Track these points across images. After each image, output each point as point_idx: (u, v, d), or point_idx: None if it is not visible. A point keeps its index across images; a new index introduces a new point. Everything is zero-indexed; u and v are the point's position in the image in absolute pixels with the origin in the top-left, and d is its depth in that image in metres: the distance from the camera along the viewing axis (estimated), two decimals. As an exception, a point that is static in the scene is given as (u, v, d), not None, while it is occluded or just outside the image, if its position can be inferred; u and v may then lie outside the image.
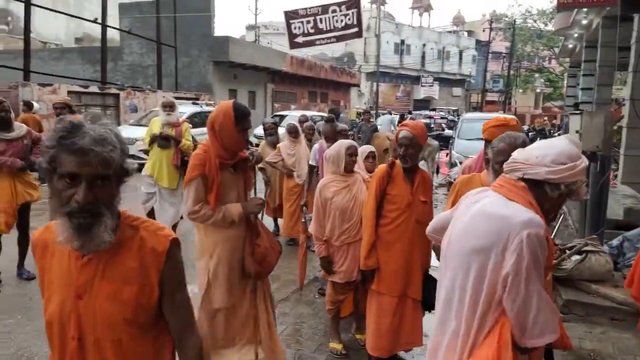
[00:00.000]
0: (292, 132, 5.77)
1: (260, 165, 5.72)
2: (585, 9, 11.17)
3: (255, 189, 2.93)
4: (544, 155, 1.57)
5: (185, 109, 13.48)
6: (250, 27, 37.03)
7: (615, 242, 5.00)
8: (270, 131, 6.24)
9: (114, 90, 14.53)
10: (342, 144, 3.36)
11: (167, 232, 1.38)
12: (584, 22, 12.34)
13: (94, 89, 13.81)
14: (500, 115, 18.34)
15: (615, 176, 8.12)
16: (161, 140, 5.39)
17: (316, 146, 5.03)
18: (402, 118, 19.30)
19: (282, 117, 17.22)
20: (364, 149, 3.86)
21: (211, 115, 2.60)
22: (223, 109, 2.55)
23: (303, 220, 4.07)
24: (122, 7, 20.42)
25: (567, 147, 1.58)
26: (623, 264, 4.61)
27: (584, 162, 1.57)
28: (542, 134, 17.22)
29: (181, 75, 18.42)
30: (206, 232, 2.66)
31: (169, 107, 5.45)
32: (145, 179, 5.68)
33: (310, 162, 5.14)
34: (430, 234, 2.06)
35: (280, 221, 6.21)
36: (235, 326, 2.70)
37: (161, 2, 17.75)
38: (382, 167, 3.02)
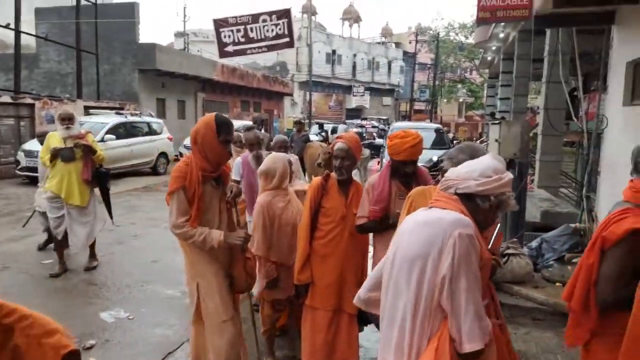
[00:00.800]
0: (236, 142, 4.92)
1: None
2: (502, 24, 11.92)
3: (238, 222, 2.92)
4: (472, 170, 1.69)
5: (108, 119, 12.81)
6: (178, 35, 36.01)
7: (534, 243, 5.30)
8: None
9: (28, 100, 13.49)
10: (282, 157, 3.29)
11: (59, 342, 0.91)
12: (501, 35, 13.16)
13: (6, 98, 12.75)
14: (425, 123, 19.02)
15: (532, 180, 8.67)
16: (67, 152, 4.92)
17: (239, 159, 4.46)
18: (321, 128, 19.53)
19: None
20: None
21: (194, 127, 2.60)
22: (205, 120, 2.58)
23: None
24: (39, 12, 19.07)
25: (493, 162, 1.71)
26: (542, 265, 4.88)
27: (509, 175, 1.68)
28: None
29: (104, 83, 17.49)
30: (191, 258, 2.68)
31: (68, 119, 4.98)
32: (49, 201, 5.08)
33: (234, 177, 4.46)
34: (367, 296, 1.93)
35: None
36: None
37: (82, 7, 16.81)
38: (316, 180, 3.00)
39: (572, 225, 5.38)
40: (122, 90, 18.21)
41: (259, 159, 4.10)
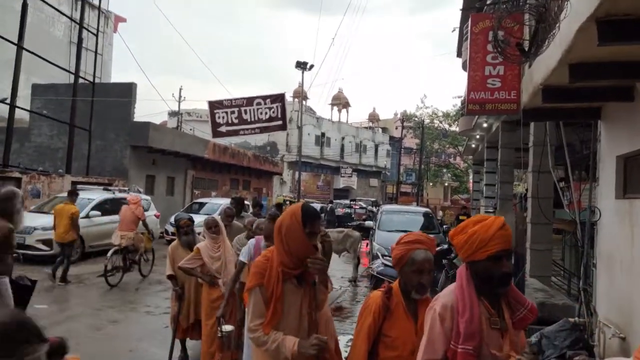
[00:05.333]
0: (211, 226, 4.68)
1: (169, 272, 4.84)
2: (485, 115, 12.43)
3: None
4: None
5: (94, 195, 12.66)
6: (173, 114, 36.98)
7: (533, 338, 5.06)
8: (186, 229, 5.08)
9: (16, 174, 13.37)
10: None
11: None
12: (485, 125, 13.68)
13: (-8, 171, 12.64)
14: (414, 207, 19.14)
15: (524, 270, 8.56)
16: None
17: (252, 241, 4.11)
18: (258, 206, 18.99)
19: (202, 205, 16.75)
20: None
21: (279, 218, 2.37)
22: (291, 210, 2.34)
23: (219, 335, 3.57)
24: (35, 88, 19.55)
25: None
26: (544, 363, 4.63)
27: None
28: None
29: (95, 159, 17.54)
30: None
31: None
32: None
33: (241, 258, 4.09)
34: None
35: (192, 344, 5.24)
36: None
37: (80, 85, 17.28)
38: (376, 297, 2.32)
39: (571, 319, 5.21)
40: (112, 166, 18.24)
41: None
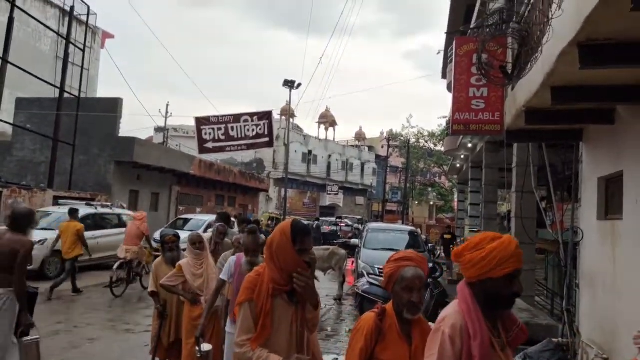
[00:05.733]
0: (195, 242, 4.58)
1: (152, 288, 4.73)
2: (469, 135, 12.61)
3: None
4: None
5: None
6: (159, 129, 36.80)
7: (518, 358, 5.08)
8: (171, 245, 4.94)
9: (-5, 187, 13.13)
10: None
11: None
12: (469, 145, 13.87)
13: (-29, 184, 12.38)
14: (400, 225, 19.20)
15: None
16: None
17: (233, 258, 4.01)
18: (245, 222, 19.37)
19: (186, 221, 16.57)
20: None
21: (270, 235, 2.36)
22: (281, 227, 2.33)
23: (198, 355, 3.49)
24: (20, 102, 19.32)
25: None
26: (528, 384, 4.62)
27: None
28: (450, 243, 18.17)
29: (78, 174, 17.30)
30: None
31: None
32: None
33: (222, 276, 3.99)
34: None
35: None
36: None
37: (65, 100, 17.13)
38: (367, 319, 2.24)
39: (555, 340, 5.23)
40: (95, 181, 18.01)
41: (252, 266, 3.84)
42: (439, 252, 18.76)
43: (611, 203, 4.55)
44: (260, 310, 2.23)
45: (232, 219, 9.81)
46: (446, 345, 1.78)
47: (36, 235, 10.80)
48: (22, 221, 4.19)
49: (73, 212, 9.86)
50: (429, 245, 14.27)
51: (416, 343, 2.14)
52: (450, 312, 1.87)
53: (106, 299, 9.09)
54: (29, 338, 4.11)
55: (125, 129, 45.30)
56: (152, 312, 5.05)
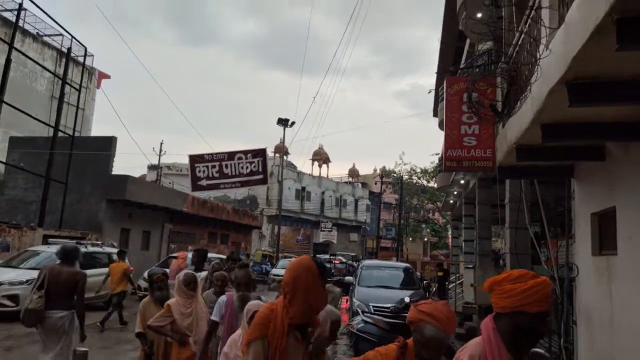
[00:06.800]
0: (190, 283, 4.43)
1: (138, 329, 4.61)
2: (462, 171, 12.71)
3: None
4: None
5: (68, 250, 12.26)
6: (152, 167, 36.82)
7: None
8: (160, 284, 4.84)
9: (-16, 227, 12.94)
10: (329, 313, 2.55)
11: None
12: (462, 182, 13.95)
13: (-41, 224, 12.20)
14: (394, 262, 19.02)
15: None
16: None
17: (223, 298, 3.91)
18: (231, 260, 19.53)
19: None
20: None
21: (289, 276, 2.32)
22: (303, 265, 2.32)
23: None
24: (13, 141, 19.33)
25: None
26: None
27: None
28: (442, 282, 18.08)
29: (69, 212, 17.14)
30: None
31: None
32: None
33: (213, 318, 3.88)
34: None
35: None
36: None
37: (59, 138, 17.16)
38: (390, 350, 2.22)
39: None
40: (86, 220, 17.82)
41: (244, 301, 3.76)
42: (433, 289, 18.61)
43: (605, 238, 4.56)
44: (276, 349, 2.18)
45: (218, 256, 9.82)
46: None
47: (24, 275, 10.62)
48: (73, 255, 5.34)
49: (121, 254, 11.54)
50: (424, 282, 14.11)
51: None
52: (472, 343, 1.91)
53: (94, 339, 8.80)
54: (81, 349, 4.87)
55: (119, 166, 45.34)
56: (139, 354, 4.90)
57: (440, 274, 18.77)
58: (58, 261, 5.30)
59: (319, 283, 2.28)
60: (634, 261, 3.85)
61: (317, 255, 29.59)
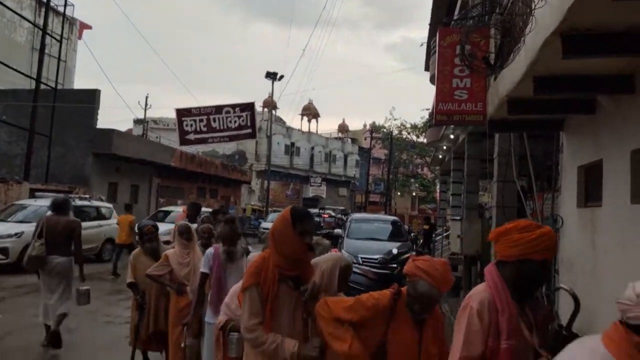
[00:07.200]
0: (183, 232, 4.58)
1: (130, 279, 4.73)
2: (452, 126, 12.71)
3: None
4: None
5: (56, 203, 12.21)
6: (138, 122, 36.21)
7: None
8: (150, 236, 4.93)
9: (-31, 180, 12.77)
10: (338, 260, 2.63)
11: None
12: (452, 136, 13.96)
13: (-57, 178, 12.02)
14: (383, 215, 19.38)
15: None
16: None
17: (211, 250, 4.00)
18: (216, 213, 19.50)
19: (167, 213, 16.38)
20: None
21: (273, 223, 2.41)
22: (282, 214, 2.38)
23: (183, 345, 3.47)
24: (-6, 93, 18.78)
25: None
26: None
27: None
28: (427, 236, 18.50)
29: (54, 166, 16.93)
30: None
31: None
32: None
33: (202, 270, 3.97)
34: None
35: (154, 355, 5.02)
36: None
37: (41, 91, 16.69)
38: (384, 295, 2.27)
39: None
40: (72, 174, 17.66)
41: (230, 255, 3.82)
42: (421, 242, 19.07)
43: (590, 191, 4.64)
44: (267, 295, 2.24)
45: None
46: (474, 320, 1.85)
47: (12, 228, 10.61)
48: (65, 206, 5.90)
49: (128, 207, 12.54)
50: (411, 234, 14.40)
51: (427, 331, 2.20)
52: (479, 290, 1.97)
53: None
54: (83, 287, 5.64)
55: (104, 121, 44.54)
56: (131, 303, 5.01)
57: (426, 227, 19.15)
58: (51, 213, 5.76)
59: (291, 233, 2.26)
60: (617, 212, 3.93)
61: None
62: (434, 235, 17.60)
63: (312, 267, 2.45)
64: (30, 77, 17.09)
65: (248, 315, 2.25)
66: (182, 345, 3.56)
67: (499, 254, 1.97)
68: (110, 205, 14.64)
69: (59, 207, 5.78)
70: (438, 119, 6.35)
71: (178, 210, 16.17)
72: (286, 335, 2.25)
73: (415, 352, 2.18)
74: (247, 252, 3.99)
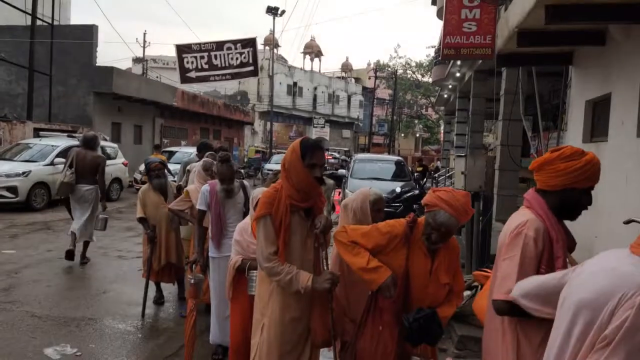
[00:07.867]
0: (208, 168, 4.62)
1: (140, 214, 4.85)
2: (458, 63, 12.41)
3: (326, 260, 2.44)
4: None
5: (59, 142, 12.23)
6: (137, 60, 35.47)
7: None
8: (157, 172, 5.00)
9: (-28, 119, 12.73)
10: (366, 195, 2.68)
11: None
12: (458, 74, 13.69)
13: (-54, 116, 11.97)
14: (386, 155, 19.35)
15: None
16: None
17: (206, 187, 3.95)
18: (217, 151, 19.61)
19: (172, 154, 16.43)
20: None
21: (284, 155, 2.40)
22: (292, 146, 2.37)
23: (192, 281, 3.57)
24: (-11, 30, 18.27)
25: None
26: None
27: None
28: (430, 175, 18.64)
29: (56, 105, 16.80)
30: (265, 292, 2.41)
31: None
32: None
33: (199, 207, 3.94)
34: (523, 301, 1.69)
35: (165, 286, 5.20)
36: None
37: (38, 27, 16.23)
38: (400, 223, 2.34)
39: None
40: (75, 113, 17.54)
41: (229, 193, 3.85)
42: (424, 181, 19.25)
43: (597, 126, 4.61)
44: (280, 225, 2.28)
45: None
46: (529, 247, 1.84)
47: (20, 167, 10.71)
48: (93, 142, 6.77)
49: (157, 147, 13.54)
50: (415, 174, 14.50)
51: (439, 260, 2.28)
52: (531, 218, 1.92)
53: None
54: (102, 215, 6.53)
55: (102, 60, 43.52)
56: (142, 237, 5.15)
57: (419, 169, 19.29)
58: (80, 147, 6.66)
59: (300, 165, 2.27)
60: (622, 147, 3.92)
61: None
62: (424, 180, 17.83)
63: (324, 199, 2.50)
64: (26, 12, 16.56)
65: (264, 243, 2.29)
66: (191, 281, 3.66)
67: (541, 184, 1.94)
68: (115, 145, 14.66)
69: (88, 142, 6.67)
70: (445, 53, 6.19)
71: (188, 151, 16.17)
72: (298, 264, 2.31)
73: (426, 280, 2.27)
74: (243, 187, 4.02)
